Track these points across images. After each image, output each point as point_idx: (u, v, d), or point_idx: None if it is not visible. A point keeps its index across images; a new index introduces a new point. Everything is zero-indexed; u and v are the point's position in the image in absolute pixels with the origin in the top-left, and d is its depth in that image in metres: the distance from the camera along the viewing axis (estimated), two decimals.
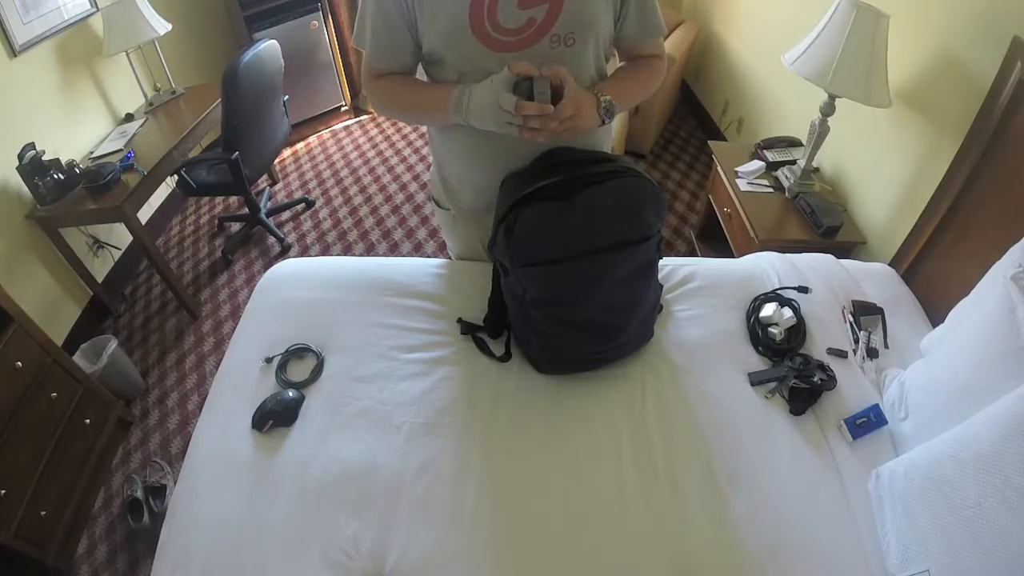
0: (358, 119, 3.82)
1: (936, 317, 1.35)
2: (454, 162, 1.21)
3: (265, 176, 3.22)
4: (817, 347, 1.29)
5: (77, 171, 2.20)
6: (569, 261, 1.06)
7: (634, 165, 1.10)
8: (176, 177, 2.51)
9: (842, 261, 1.54)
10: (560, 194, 1.03)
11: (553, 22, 0.96)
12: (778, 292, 1.40)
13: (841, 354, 1.28)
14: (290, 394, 1.22)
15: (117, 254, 2.69)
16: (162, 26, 2.58)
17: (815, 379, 1.19)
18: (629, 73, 1.14)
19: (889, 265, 1.59)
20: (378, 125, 3.74)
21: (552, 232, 1.04)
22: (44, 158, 2.09)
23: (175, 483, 1.47)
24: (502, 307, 1.26)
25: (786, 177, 1.96)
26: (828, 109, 1.72)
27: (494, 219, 1.11)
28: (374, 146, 3.54)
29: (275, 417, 1.18)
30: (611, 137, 1.26)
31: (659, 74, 1.15)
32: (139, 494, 1.82)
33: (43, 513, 1.60)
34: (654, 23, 1.08)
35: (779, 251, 1.56)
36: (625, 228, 1.07)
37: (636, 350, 1.27)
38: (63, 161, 2.17)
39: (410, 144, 3.51)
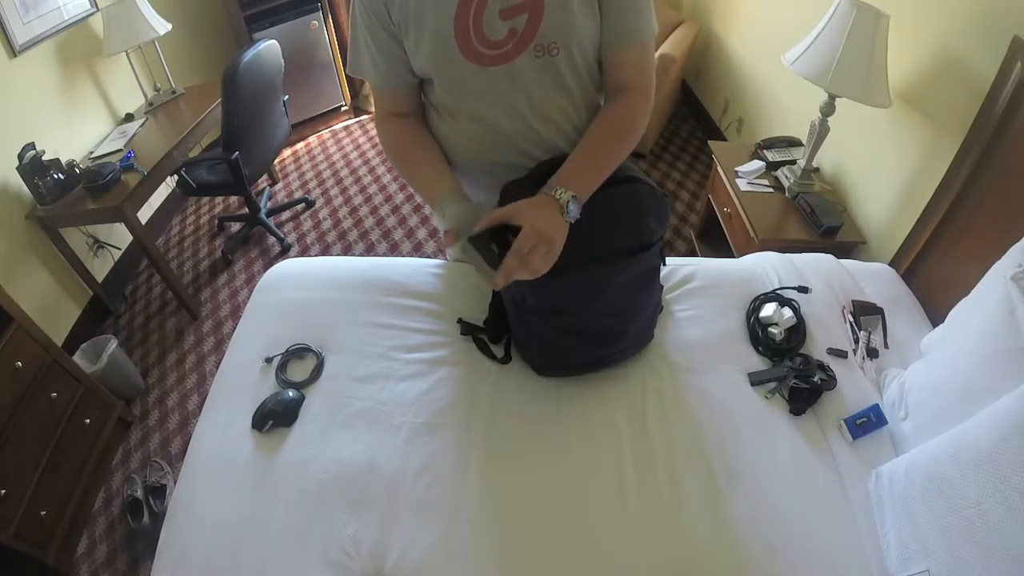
0: (358, 119, 3.82)
1: (936, 317, 1.35)
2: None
3: (265, 176, 3.22)
4: (817, 347, 1.29)
5: (77, 171, 2.20)
6: (569, 270, 1.02)
7: (636, 171, 1.08)
8: (176, 177, 2.51)
9: (842, 261, 1.53)
10: None
11: (535, 32, 0.93)
12: (778, 292, 1.40)
13: (841, 354, 1.28)
14: (290, 394, 1.22)
15: (117, 254, 2.69)
16: (162, 26, 2.59)
17: (815, 379, 1.19)
18: (596, 138, 1.00)
19: (889, 265, 1.59)
20: None
21: None
22: (44, 158, 2.09)
23: (175, 483, 1.47)
24: (502, 312, 1.26)
25: (786, 177, 1.96)
26: (828, 109, 1.72)
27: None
28: (374, 146, 3.53)
29: (275, 417, 1.18)
30: None
31: (637, 121, 1.01)
32: (139, 494, 1.82)
33: (43, 513, 1.60)
34: (629, 25, 0.96)
35: (779, 251, 1.56)
36: (627, 236, 1.05)
37: (636, 352, 1.27)
38: (63, 161, 2.17)
39: None
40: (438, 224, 1.30)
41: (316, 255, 2.76)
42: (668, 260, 1.47)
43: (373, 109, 1.08)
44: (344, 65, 3.58)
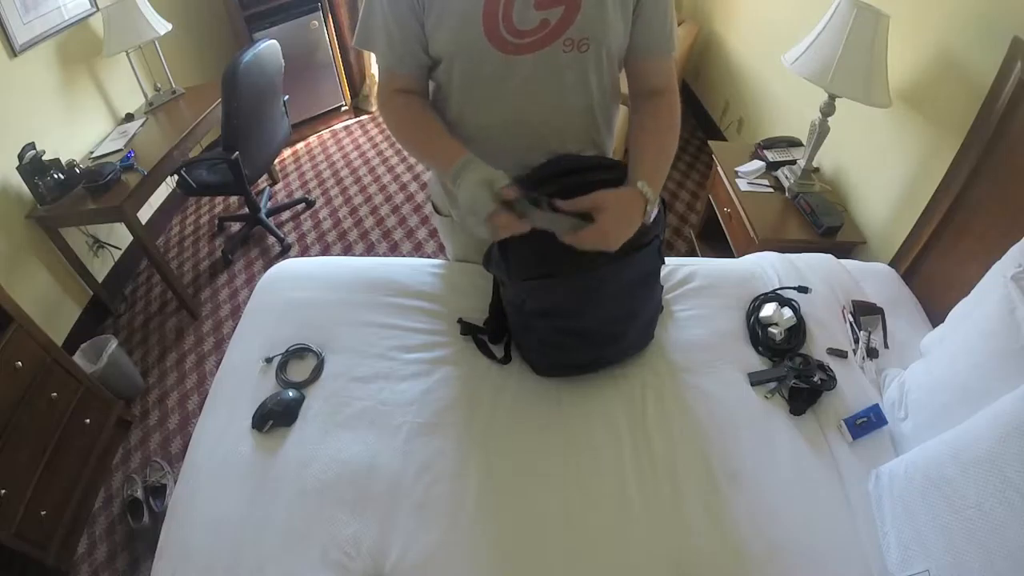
0: (358, 119, 3.82)
1: (936, 317, 1.35)
2: None
3: (265, 176, 3.22)
4: (817, 347, 1.29)
5: (77, 171, 2.20)
6: (567, 274, 1.04)
7: None
8: (176, 177, 2.51)
9: (842, 261, 1.54)
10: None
11: (568, 25, 0.93)
12: (778, 292, 1.40)
13: (841, 354, 1.28)
14: (290, 394, 1.22)
15: (117, 254, 2.69)
16: (162, 26, 2.58)
17: (815, 379, 1.19)
18: (652, 137, 1.05)
19: (889, 265, 1.59)
20: (378, 125, 3.74)
21: (547, 246, 1.02)
22: (44, 158, 2.08)
23: (175, 483, 1.47)
24: (502, 312, 1.26)
25: (786, 177, 1.96)
26: (828, 109, 1.72)
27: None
28: (374, 146, 3.54)
29: (275, 417, 1.18)
30: (613, 138, 1.24)
31: (676, 116, 1.07)
32: (139, 494, 1.82)
33: (43, 513, 1.60)
34: (661, 37, 1.01)
35: (779, 251, 1.56)
36: None
37: (637, 352, 1.26)
38: (63, 161, 2.17)
39: None
40: (437, 188, 1.28)
41: (316, 255, 2.76)
42: (668, 260, 1.47)
43: (376, 92, 1.05)
44: (344, 65, 3.62)
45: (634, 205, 0.96)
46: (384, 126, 3.70)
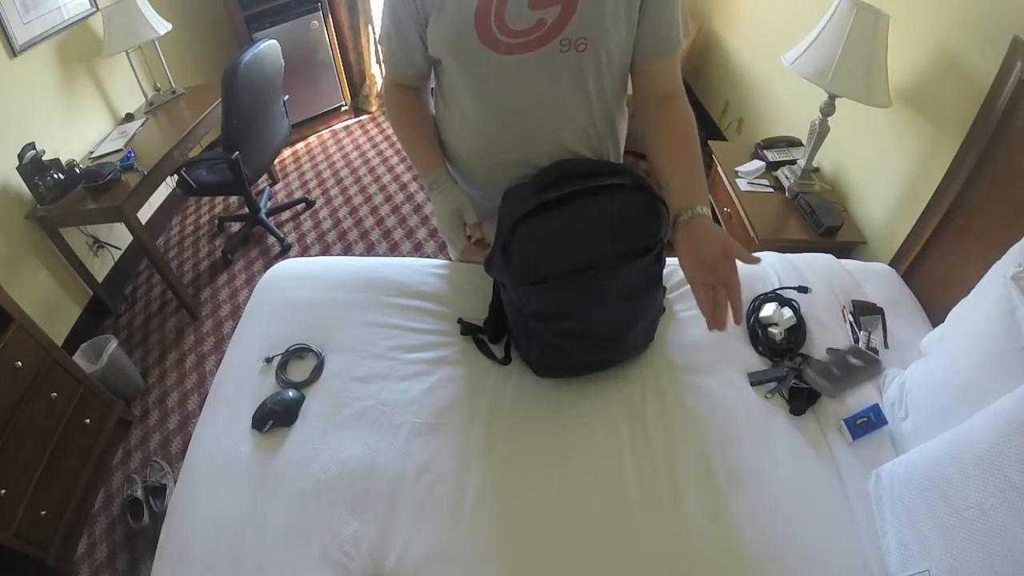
0: (358, 119, 3.82)
1: (936, 317, 1.35)
2: (458, 178, 1.21)
3: (265, 176, 3.23)
4: (817, 347, 1.29)
5: (77, 171, 2.20)
6: (568, 278, 1.03)
7: (639, 176, 1.06)
8: (176, 177, 2.51)
9: (842, 261, 1.53)
10: (559, 208, 1.01)
11: (564, 25, 0.92)
12: (778, 292, 1.40)
13: None
14: (290, 394, 1.22)
15: (117, 254, 2.69)
16: (162, 26, 2.59)
17: None
18: (677, 153, 1.05)
19: (889, 265, 1.59)
20: (378, 125, 3.74)
21: (549, 251, 1.01)
22: (44, 158, 2.09)
23: (175, 483, 1.47)
24: (502, 312, 1.26)
25: (786, 177, 1.96)
26: (828, 109, 1.72)
27: (495, 237, 1.10)
28: (374, 146, 3.54)
29: (275, 417, 1.18)
30: (618, 144, 1.23)
31: (692, 120, 1.07)
32: (139, 494, 1.82)
33: (43, 513, 1.60)
34: (668, 37, 1.00)
35: (779, 251, 1.56)
36: (623, 241, 1.03)
37: (637, 354, 1.26)
38: (63, 161, 2.17)
39: None
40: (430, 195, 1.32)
41: (316, 255, 2.76)
42: (669, 260, 1.46)
43: (379, 86, 1.14)
44: (344, 65, 3.63)
45: (709, 229, 0.96)
46: (385, 126, 3.71)
